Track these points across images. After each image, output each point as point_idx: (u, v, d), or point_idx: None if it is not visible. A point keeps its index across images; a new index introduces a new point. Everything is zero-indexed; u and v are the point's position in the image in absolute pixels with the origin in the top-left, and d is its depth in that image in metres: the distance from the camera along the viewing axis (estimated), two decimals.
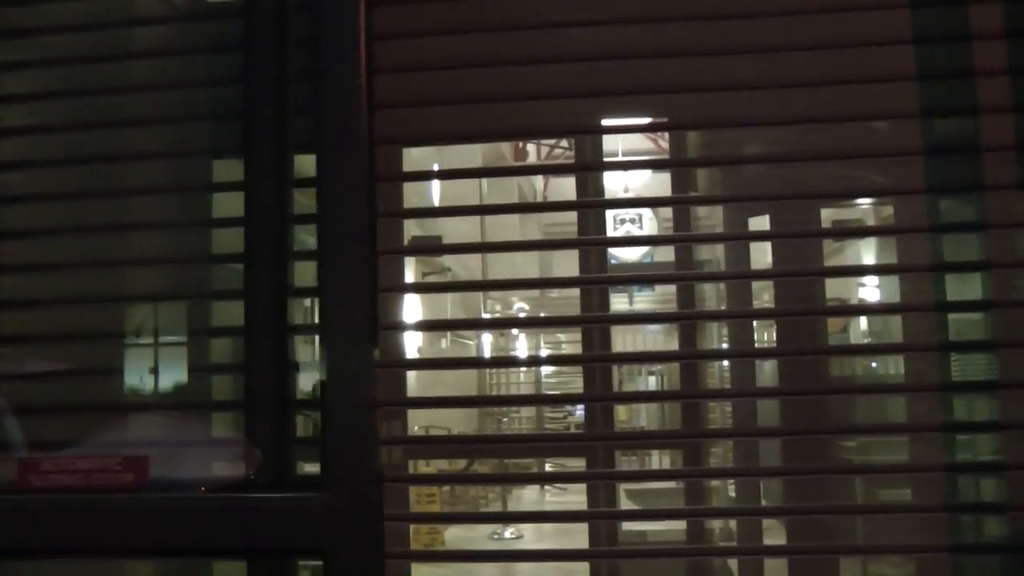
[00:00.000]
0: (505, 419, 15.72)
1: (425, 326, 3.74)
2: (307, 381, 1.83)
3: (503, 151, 15.86)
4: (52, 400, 1.91)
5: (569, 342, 17.32)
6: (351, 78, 1.76)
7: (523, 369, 17.96)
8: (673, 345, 11.68)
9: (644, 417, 14.96)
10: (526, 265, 15.14)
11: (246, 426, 1.79)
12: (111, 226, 2.02)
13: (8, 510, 1.72)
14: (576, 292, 2.96)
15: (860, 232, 3.56)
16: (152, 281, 2.07)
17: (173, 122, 2.00)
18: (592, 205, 2.93)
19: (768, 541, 3.15)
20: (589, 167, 2.90)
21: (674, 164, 3.04)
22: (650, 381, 15.21)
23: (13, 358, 1.88)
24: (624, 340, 14.62)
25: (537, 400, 15.82)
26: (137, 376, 2.10)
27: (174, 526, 1.69)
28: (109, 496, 1.70)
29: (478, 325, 3.58)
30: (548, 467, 11.95)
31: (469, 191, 12.77)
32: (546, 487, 14.58)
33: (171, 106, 2.00)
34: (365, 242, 1.73)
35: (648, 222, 16.27)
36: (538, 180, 17.95)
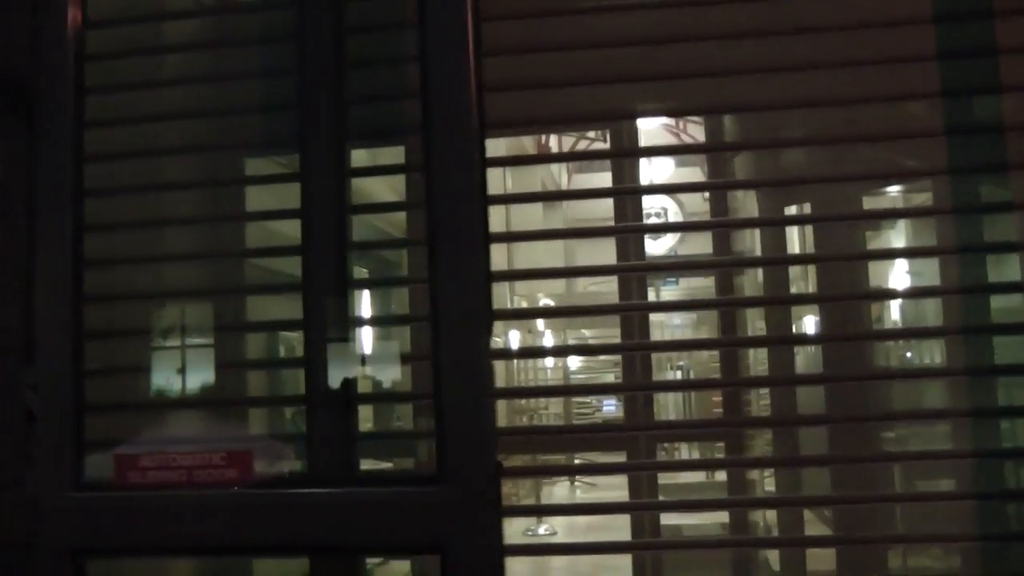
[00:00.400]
0: (535, 414, 15.67)
1: (538, 314, 3.74)
2: (373, 374, 1.81)
3: (524, 144, 15.77)
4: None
5: (595, 337, 17.26)
6: (460, 61, 1.72)
7: (550, 363, 17.91)
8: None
9: (671, 410, 14.90)
10: (549, 258, 15.06)
11: (307, 422, 1.75)
12: (186, 219, 2.02)
13: (109, 508, 1.72)
14: (602, 287, 2.96)
15: (894, 214, 3.52)
16: (206, 277, 2.06)
17: (226, 115, 1.99)
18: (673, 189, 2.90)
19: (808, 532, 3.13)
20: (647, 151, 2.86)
21: (726, 148, 3.02)
22: (676, 375, 15.17)
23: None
24: (651, 334, 14.52)
25: (622, 388, 15.85)
26: (172, 375, 2.08)
27: (281, 523, 1.67)
28: (212, 492, 1.68)
29: (600, 311, 3.55)
30: (577, 461, 11.89)
31: (495, 182, 12.66)
32: (576, 484, 14.53)
33: (223, 99, 1.99)
34: (479, 228, 1.69)
35: (673, 216, 16.21)
36: (561, 173, 17.87)
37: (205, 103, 1.99)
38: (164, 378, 1.95)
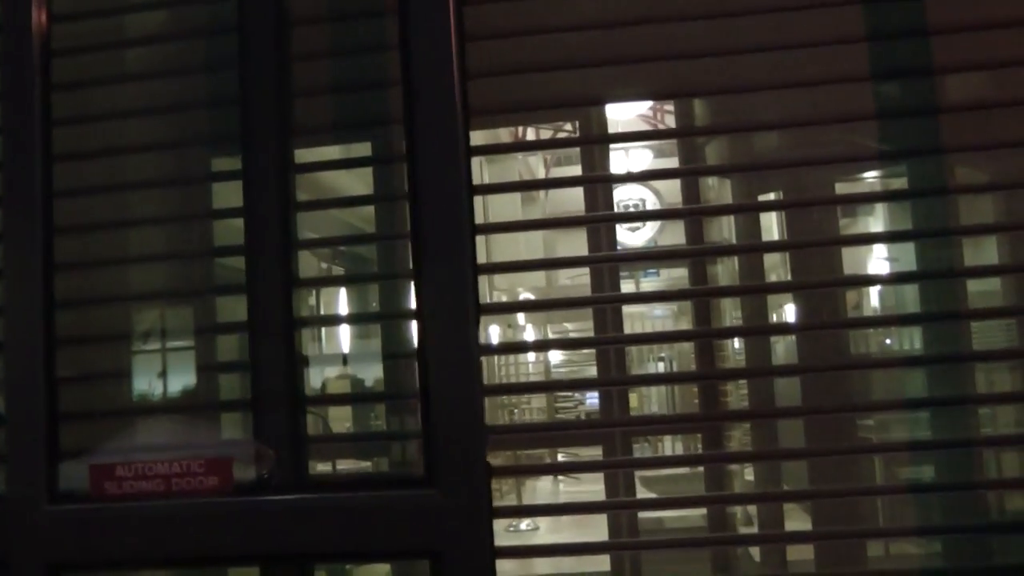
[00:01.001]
0: (516, 409, 15.67)
1: (525, 307, 3.68)
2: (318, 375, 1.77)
3: (500, 136, 15.72)
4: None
5: (577, 330, 17.27)
6: (442, 46, 1.67)
7: (532, 357, 17.91)
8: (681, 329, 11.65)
9: (655, 402, 14.90)
10: (529, 252, 15.02)
11: (254, 426, 1.70)
12: (112, 223, 1.95)
13: (85, 520, 1.67)
14: (581, 279, 2.94)
15: (867, 198, 3.52)
16: (149, 279, 2.01)
17: (169, 112, 1.94)
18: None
19: (788, 523, 3.13)
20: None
21: (701, 133, 3.00)
22: (659, 366, 15.16)
23: None
24: (631, 325, 14.54)
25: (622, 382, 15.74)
26: (141, 380, 2.04)
27: (266, 531, 1.62)
28: (193, 501, 1.64)
29: (583, 302, 3.46)
30: (561, 457, 11.87)
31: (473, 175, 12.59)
32: (559, 478, 14.51)
33: (166, 95, 1.94)
34: (466, 219, 1.65)
35: (651, 207, 16.21)
36: (539, 166, 17.85)
37: (147, 100, 1.93)
38: (127, 384, 1.92)
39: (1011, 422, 2.34)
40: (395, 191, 1.98)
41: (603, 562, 2.78)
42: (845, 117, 1.84)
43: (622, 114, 9.38)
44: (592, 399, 15.98)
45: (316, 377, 1.83)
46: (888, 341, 5.76)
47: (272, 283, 1.71)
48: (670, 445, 12.72)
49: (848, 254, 2.69)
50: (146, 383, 1.99)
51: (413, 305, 1.67)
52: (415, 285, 1.64)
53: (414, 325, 1.66)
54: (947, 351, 2.06)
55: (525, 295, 17.00)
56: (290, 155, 1.78)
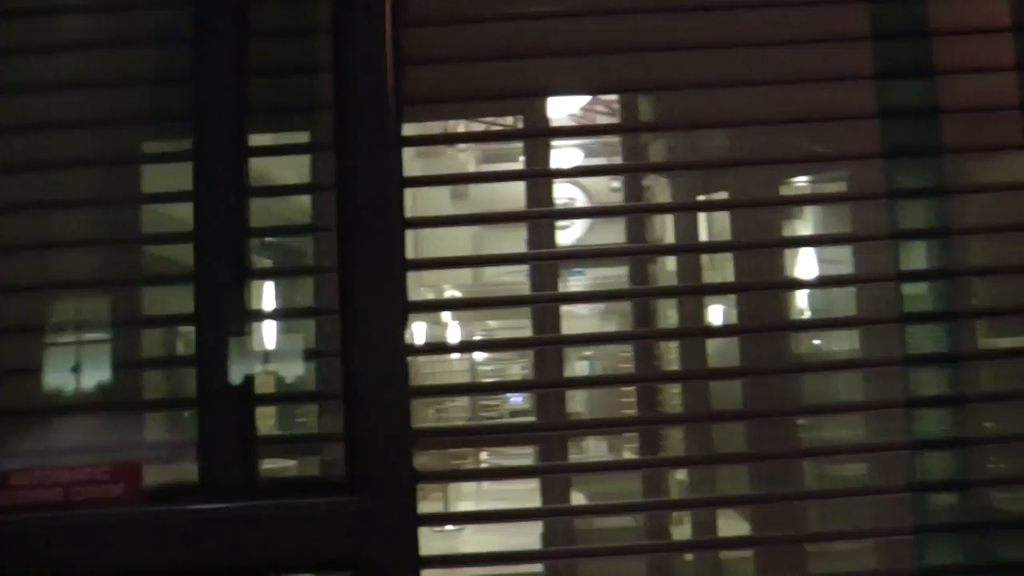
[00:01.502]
0: (439, 408, 15.66)
1: (456, 306, 3.66)
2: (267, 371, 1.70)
3: (432, 129, 15.64)
4: None
5: (502, 328, 17.30)
6: (376, 32, 1.59)
7: (455, 356, 17.91)
8: (607, 330, 11.68)
9: (579, 403, 14.95)
10: (457, 248, 14.99)
11: (200, 425, 1.60)
12: (41, 203, 1.84)
13: None
14: (509, 278, 2.90)
15: (810, 200, 3.52)
16: (85, 266, 1.91)
17: (114, 86, 1.83)
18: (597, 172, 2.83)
19: (722, 522, 3.13)
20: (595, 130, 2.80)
21: (646, 129, 2.98)
22: (584, 366, 15.20)
23: None
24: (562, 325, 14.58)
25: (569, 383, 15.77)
26: (65, 374, 1.93)
27: (177, 543, 1.51)
28: (95, 512, 1.51)
29: (520, 302, 3.40)
30: (484, 455, 11.86)
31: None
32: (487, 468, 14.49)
33: (111, 68, 1.83)
34: (395, 213, 1.60)
35: (582, 204, 16.26)
36: (468, 163, 17.87)
37: (89, 73, 1.83)
38: (40, 380, 1.80)
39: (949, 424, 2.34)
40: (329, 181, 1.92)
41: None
42: (788, 118, 1.83)
43: (555, 113, 9.41)
44: (516, 398, 15.98)
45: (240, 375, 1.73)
46: (816, 342, 5.80)
47: (222, 273, 1.62)
48: (598, 444, 12.75)
49: (790, 255, 2.68)
50: (57, 379, 1.87)
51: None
52: (340, 280, 1.58)
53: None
54: (888, 354, 2.05)
55: (451, 292, 16.99)
56: (245, 136, 1.69)
